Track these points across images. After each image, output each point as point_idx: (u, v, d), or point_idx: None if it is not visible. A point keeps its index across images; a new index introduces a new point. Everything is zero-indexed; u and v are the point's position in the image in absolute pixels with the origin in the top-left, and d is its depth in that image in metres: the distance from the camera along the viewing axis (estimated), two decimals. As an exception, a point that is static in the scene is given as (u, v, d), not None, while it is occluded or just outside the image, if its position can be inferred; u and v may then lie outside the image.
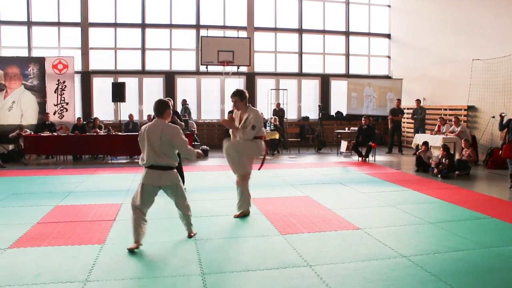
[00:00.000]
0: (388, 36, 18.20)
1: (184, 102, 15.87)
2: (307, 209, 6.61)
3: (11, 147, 13.14)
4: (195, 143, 13.52)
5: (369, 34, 18.17)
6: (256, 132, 5.99)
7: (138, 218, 4.84)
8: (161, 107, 4.99)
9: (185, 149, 4.97)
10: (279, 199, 7.31)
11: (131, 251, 4.67)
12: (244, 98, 6.09)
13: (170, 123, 5.01)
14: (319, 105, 16.01)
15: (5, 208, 6.80)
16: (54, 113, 14.91)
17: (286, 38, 17.61)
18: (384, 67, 18.35)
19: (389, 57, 18.26)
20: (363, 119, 13.03)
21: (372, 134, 12.73)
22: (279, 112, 15.27)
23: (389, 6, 18.12)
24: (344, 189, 8.28)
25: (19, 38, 16.09)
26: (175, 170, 5.05)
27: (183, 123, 8.11)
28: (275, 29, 17.38)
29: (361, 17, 18.15)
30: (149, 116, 14.10)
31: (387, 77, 17.85)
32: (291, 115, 17.01)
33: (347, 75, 17.81)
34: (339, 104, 17.71)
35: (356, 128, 13.56)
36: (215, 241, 5.05)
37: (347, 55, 18.06)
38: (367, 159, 12.41)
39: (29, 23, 16.12)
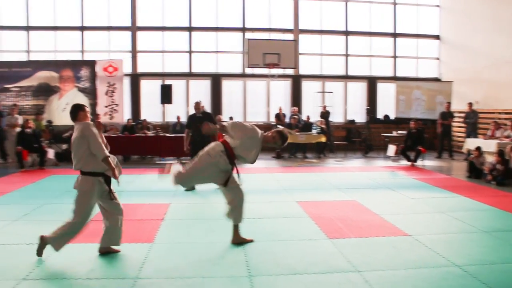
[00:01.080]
0: (437, 37, 17.70)
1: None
2: (355, 213, 6.53)
3: (65, 146, 13.65)
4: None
5: (417, 35, 17.74)
6: None
7: None
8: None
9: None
10: (326, 203, 7.25)
11: None
12: None
13: None
14: (366, 108, 15.79)
15: (60, 205, 7.08)
16: (105, 114, 15.38)
17: (332, 40, 17.45)
18: (433, 69, 17.84)
19: (438, 59, 17.76)
20: (412, 122, 12.74)
21: (421, 138, 12.43)
22: (325, 114, 15.15)
23: (438, 6, 17.61)
24: (392, 194, 8.12)
25: (73, 43, 16.73)
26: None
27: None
28: (321, 31, 17.26)
29: (408, 18, 17.72)
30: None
31: (437, 80, 17.36)
32: (337, 118, 16.82)
33: (394, 78, 17.45)
34: (386, 107, 17.37)
35: (404, 132, 13.28)
36: (263, 244, 5.07)
37: (395, 57, 17.70)
38: (415, 163, 12.12)
39: (82, 28, 16.73)
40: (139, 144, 13.11)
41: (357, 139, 16.00)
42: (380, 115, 17.36)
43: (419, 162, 12.28)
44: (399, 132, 14.17)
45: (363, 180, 9.71)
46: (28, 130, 11.73)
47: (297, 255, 4.71)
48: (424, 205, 7.12)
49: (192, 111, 9.51)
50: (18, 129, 11.98)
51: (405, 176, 10.42)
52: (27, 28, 16.76)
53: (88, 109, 4.87)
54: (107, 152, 4.54)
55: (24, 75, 15.65)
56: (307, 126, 14.49)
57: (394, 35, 17.58)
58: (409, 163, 12.16)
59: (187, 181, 5.29)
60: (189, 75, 16.78)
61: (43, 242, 4.51)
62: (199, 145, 8.28)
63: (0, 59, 16.51)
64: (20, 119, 12.71)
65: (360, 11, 17.48)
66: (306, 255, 4.70)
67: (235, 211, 5.01)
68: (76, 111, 4.77)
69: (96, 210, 6.54)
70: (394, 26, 17.55)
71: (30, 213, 6.53)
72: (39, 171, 11.02)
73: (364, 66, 17.56)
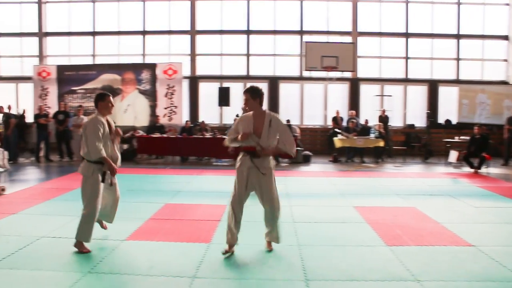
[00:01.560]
0: (506, 37, 16.89)
1: None
2: (414, 220, 6.33)
3: (125, 146, 14.15)
4: (298, 148, 13.55)
5: (483, 36, 17.00)
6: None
7: None
8: None
9: None
10: (384, 209, 7.08)
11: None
12: (257, 97, 4.86)
13: None
14: (427, 112, 15.32)
15: (121, 203, 7.23)
16: (164, 116, 15.83)
17: (391, 42, 17.08)
18: (500, 72, 17.03)
19: (506, 60, 16.94)
20: (475, 128, 12.22)
21: (486, 144, 11.89)
22: (383, 119, 14.84)
23: (507, 4, 16.80)
24: (454, 202, 7.81)
25: (135, 46, 17.35)
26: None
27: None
28: (380, 34, 16.94)
29: (473, 18, 17.00)
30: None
31: (504, 83, 16.58)
32: (396, 122, 16.42)
33: (457, 81, 16.82)
34: (448, 111, 16.76)
35: (467, 138, 12.76)
36: (319, 248, 5.02)
37: (458, 59, 17.05)
38: (479, 171, 11.61)
39: (143, 33, 17.31)
40: (197, 146, 13.36)
41: (417, 144, 15.52)
42: (441, 119, 16.77)
43: (483, 170, 11.75)
44: (461, 137, 13.63)
45: (422, 186, 9.42)
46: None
47: (354, 261, 4.63)
48: (488, 215, 6.80)
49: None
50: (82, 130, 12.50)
51: (467, 183, 10.00)
52: (93, 34, 17.54)
53: (111, 98, 5.15)
54: (103, 152, 4.81)
55: (90, 78, 16.44)
56: (365, 130, 14.24)
57: (458, 36, 16.95)
58: (472, 170, 11.66)
59: None
60: (247, 78, 16.94)
61: (77, 244, 4.80)
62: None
63: (68, 63, 17.38)
64: (85, 120, 13.26)
65: (421, 12, 16.99)
66: (364, 261, 4.61)
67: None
68: (96, 101, 5.13)
69: (155, 210, 6.75)
70: (457, 27, 16.92)
71: (94, 210, 6.79)
72: (102, 170, 11.44)
73: (425, 69, 17.05)
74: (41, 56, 17.72)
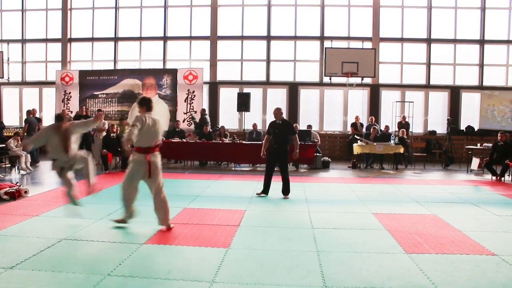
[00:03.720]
0: (532, 43, 16.62)
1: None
2: (434, 228, 6.24)
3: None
4: (317, 154, 13.51)
5: (507, 41, 16.75)
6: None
7: None
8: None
9: None
10: (403, 216, 7.00)
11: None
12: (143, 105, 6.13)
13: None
14: (448, 119, 15.12)
15: (141, 207, 7.36)
16: (184, 121, 15.94)
17: (413, 48, 16.93)
18: (526, 78, 16.73)
19: (532, 66, 16.66)
20: (499, 134, 12.01)
21: (509, 151, 11.66)
22: (404, 125, 14.70)
23: (532, 10, 16.56)
24: (475, 210, 7.68)
25: (156, 52, 17.54)
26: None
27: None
28: (401, 39, 16.82)
29: (498, 23, 16.76)
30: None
31: (529, 89, 16.30)
32: (416, 128, 16.27)
33: (480, 87, 16.58)
34: (470, 118, 16.53)
35: (490, 145, 12.56)
36: (338, 254, 4.98)
37: (481, 65, 16.82)
38: (502, 178, 11.40)
39: (164, 38, 17.48)
40: (216, 151, 13.42)
41: (438, 151, 15.34)
42: (463, 126, 16.55)
43: (506, 177, 11.54)
44: (484, 144, 13.41)
45: (443, 194, 9.29)
46: (113, 134, 12.39)
47: (373, 268, 4.58)
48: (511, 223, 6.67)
49: (269, 119, 9.63)
50: (104, 134, 12.68)
51: (490, 191, 9.83)
52: (115, 39, 17.79)
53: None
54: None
55: (111, 82, 16.69)
56: (385, 136, 14.12)
57: (481, 42, 16.72)
58: (495, 178, 11.46)
59: None
60: (267, 84, 16.98)
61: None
62: (275, 153, 8.38)
63: (91, 68, 17.66)
64: (106, 124, 13.45)
65: (444, 17, 16.82)
66: (383, 269, 4.55)
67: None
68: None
69: (174, 214, 6.77)
70: (481, 32, 16.68)
71: (114, 213, 6.88)
72: (122, 174, 11.51)
73: (447, 75, 16.86)
74: (64, 62, 18.05)
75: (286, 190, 8.55)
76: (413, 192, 9.37)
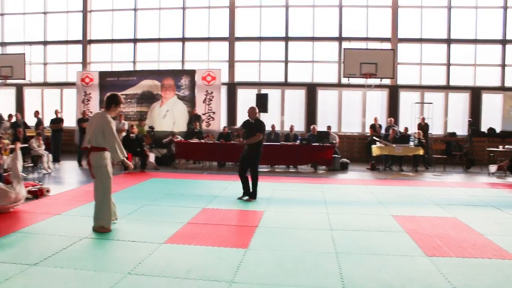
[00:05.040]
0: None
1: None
2: (455, 231, 6.16)
3: (164, 151, 14.39)
4: (335, 155, 13.45)
5: (530, 42, 16.44)
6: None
7: None
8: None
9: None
10: (423, 218, 6.93)
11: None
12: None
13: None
14: (469, 120, 14.92)
15: (160, 207, 7.49)
16: (202, 122, 15.99)
17: (432, 48, 16.74)
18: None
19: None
20: (521, 136, 11.81)
21: (532, 153, 11.48)
22: (423, 126, 14.55)
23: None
24: (497, 213, 7.55)
25: (174, 53, 17.67)
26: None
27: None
28: (420, 40, 16.64)
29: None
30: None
31: (552, 90, 15.98)
32: (436, 130, 16.06)
33: (502, 88, 16.31)
34: (491, 119, 16.26)
35: (512, 147, 12.37)
36: (357, 256, 4.96)
37: (503, 65, 16.52)
38: (524, 181, 11.22)
39: (183, 39, 17.61)
40: (234, 151, 13.43)
41: (458, 153, 15.12)
42: (484, 127, 16.28)
43: (529, 180, 11.35)
44: (506, 146, 13.19)
45: (464, 196, 9.17)
46: (132, 135, 12.51)
47: (393, 270, 4.55)
48: (535, 227, 6.55)
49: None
50: (124, 134, 12.81)
51: (512, 194, 9.67)
52: (134, 41, 17.97)
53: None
54: None
55: (130, 83, 16.85)
56: (404, 138, 13.99)
57: (503, 42, 16.44)
58: (517, 181, 11.28)
59: None
60: (285, 85, 16.97)
61: None
62: (246, 152, 8.30)
63: (110, 69, 17.87)
64: (126, 125, 13.59)
65: (464, 17, 16.58)
66: (403, 271, 4.51)
67: None
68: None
69: (193, 214, 6.83)
70: (503, 32, 16.41)
71: (133, 213, 6.95)
72: (141, 174, 11.71)
73: (467, 76, 16.61)
74: (84, 63, 18.30)
75: (253, 193, 8.27)
76: (433, 194, 9.26)
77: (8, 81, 17.56)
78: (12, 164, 7.30)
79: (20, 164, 7.35)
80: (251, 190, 8.28)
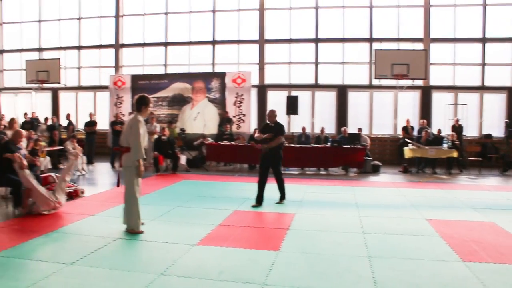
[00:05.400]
0: None
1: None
2: (493, 236, 5.99)
3: (194, 153, 14.50)
4: (367, 158, 13.29)
5: None
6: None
7: None
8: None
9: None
10: (458, 222, 6.77)
11: None
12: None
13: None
14: (506, 122, 14.50)
15: (191, 209, 7.56)
16: (232, 124, 16.06)
17: (466, 48, 16.33)
18: None
19: None
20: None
21: None
22: (457, 128, 14.23)
23: None
24: (537, 217, 7.31)
25: (205, 56, 17.82)
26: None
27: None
28: (454, 40, 16.26)
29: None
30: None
31: None
32: (471, 132, 15.65)
33: (542, 87, 15.78)
34: (530, 120, 15.75)
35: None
36: (390, 260, 4.88)
37: (542, 65, 15.99)
38: None
39: (213, 42, 17.73)
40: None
41: (494, 155, 14.69)
42: (522, 129, 15.78)
43: None
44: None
45: (501, 200, 8.91)
46: (164, 137, 12.67)
47: (427, 275, 4.45)
48: None
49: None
50: (155, 136, 12.98)
51: (552, 198, 9.33)
52: (165, 44, 18.21)
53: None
54: None
55: (161, 86, 17.08)
56: (437, 140, 13.70)
57: (541, 40, 15.89)
58: (557, 184, 10.89)
59: None
60: (315, 86, 16.88)
61: None
62: (267, 157, 8.04)
63: (142, 72, 18.16)
64: (158, 127, 13.76)
65: (500, 15, 16.09)
66: (437, 277, 4.42)
67: None
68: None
69: (225, 216, 6.85)
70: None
71: (165, 214, 7.03)
72: (172, 176, 11.84)
73: (503, 75, 16.11)
74: (117, 66, 18.64)
75: (282, 194, 8.23)
76: (468, 198, 9.04)
77: (44, 85, 18.04)
78: (61, 178, 7.43)
79: (69, 178, 7.56)
80: (263, 198, 7.98)
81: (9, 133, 10.03)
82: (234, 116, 16.24)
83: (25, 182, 6.83)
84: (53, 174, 8.27)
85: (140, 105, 5.99)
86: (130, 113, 15.03)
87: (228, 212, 7.23)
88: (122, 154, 5.90)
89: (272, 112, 8.32)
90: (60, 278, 4.18)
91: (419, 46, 16.06)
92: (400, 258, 4.99)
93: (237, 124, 16.19)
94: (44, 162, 11.07)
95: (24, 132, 8.27)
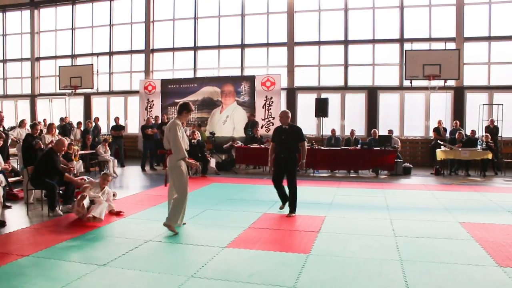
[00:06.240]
0: None
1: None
2: (530, 240, 5.80)
3: (224, 156, 14.58)
4: (398, 160, 13.09)
5: None
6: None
7: None
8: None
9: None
10: (494, 226, 6.57)
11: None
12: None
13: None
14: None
15: (221, 211, 7.59)
16: (262, 127, 16.08)
17: (502, 46, 15.88)
18: None
19: None
20: None
21: None
22: (492, 129, 13.86)
23: None
24: None
25: (234, 59, 17.92)
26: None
27: None
28: (488, 38, 15.85)
29: None
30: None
31: None
32: (507, 133, 15.18)
33: None
34: None
35: None
36: (423, 264, 4.77)
37: None
38: None
39: (242, 46, 17.81)
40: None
41: (531, 157, 14.26)
42: (562, 129, 15.23)
43: None
44: None
45: (539, 203, 8.62)
46: (194, 140, 12.77)
47: (462, 280, 4.33)
48: None
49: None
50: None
51: None
52: (195, 48, 18.39)
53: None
54: None
55: (191, 90, 17.26)
56: (471, 142, 13.38)
57: None
58: None
59: None
60: (345, 89, 16.75)
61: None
62: (282, 163, 7.40)
63: (172, 77, 18.39)
64: (188, 131, 13.88)
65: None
66: (473, 282, 4.29)
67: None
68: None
69: (254, 219, 6.85)
70: None
71: (196, 217, 7.09)
72: (202, 179, 11.92)
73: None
74: (147, 71, 18.93)
75: (292, 206, 7.34)
76: (504, 201, 8.78)
77: (77, 91, 18.48)
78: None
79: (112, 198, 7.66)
80: (286, 195, 7.52)
81: (47, 137, 10.27)
82: (263, 119, 16.26)
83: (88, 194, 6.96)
84: (85, 177, 8.44)
85: (182, 110, 6.30)
86: (156, 117, 15.30)
87: (258, 215, 7.22)
88: (167, 156, 6.29)
89: (285, 113, 7.46)
90: (93, 279, 4.26)
91: (452, 45, 15.74)
92: (433, 262, 4.87)
93: (266, 127, 16.20)
94: (77, 165, 11.32)
95: (66, 142, 8.41)
